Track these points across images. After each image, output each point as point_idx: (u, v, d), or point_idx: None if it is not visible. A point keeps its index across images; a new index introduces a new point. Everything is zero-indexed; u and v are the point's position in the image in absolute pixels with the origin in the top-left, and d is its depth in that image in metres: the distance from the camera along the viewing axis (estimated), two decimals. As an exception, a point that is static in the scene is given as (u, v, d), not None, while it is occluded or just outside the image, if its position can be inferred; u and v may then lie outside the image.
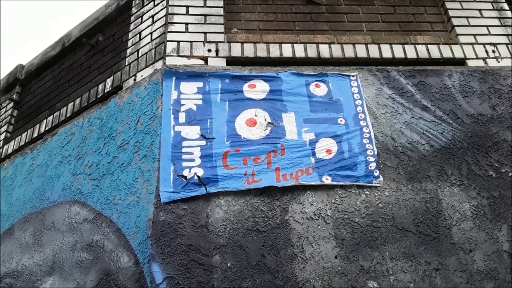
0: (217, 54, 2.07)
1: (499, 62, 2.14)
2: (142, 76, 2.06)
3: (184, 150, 1.75)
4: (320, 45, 2.13)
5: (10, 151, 2.52)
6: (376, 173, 1.74)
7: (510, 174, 1.75)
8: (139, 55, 2.18)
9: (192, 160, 1.71)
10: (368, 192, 1.68)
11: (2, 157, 2.54)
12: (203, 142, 1.78)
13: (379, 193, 1.68)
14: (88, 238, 1.68)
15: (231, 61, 2.07)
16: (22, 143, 2.49)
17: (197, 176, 1.64)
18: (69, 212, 1.82)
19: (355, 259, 1.50)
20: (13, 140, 2.57)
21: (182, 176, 1.64)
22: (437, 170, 1.75)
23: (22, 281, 1.78)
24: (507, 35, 2.23)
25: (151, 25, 2.23)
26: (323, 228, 1.58)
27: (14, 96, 2.87)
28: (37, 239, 1.87)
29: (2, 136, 2.69)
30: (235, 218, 1.56)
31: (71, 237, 1.75)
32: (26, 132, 2.53)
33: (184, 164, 1.70)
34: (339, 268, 1.48)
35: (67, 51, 2.74)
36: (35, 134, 2.44)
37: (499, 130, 1.87)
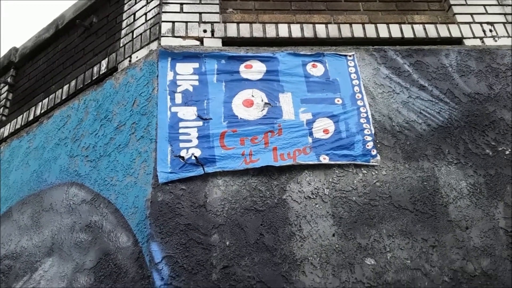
0: (212, 34, 2.03)
1: (496, 41, 2.12)
2: (137, 57, 2.03)
3: (181, 131, 1.73)
4: (316, 25, 2.09)
5: (6, 134, 2.49)
6: (374, 152, 1.73)
7: (506, 152, 1.74)
8: (134, 36, 2.14)
9: (189, 140, 1.70)
10: (365, 171, 1.67)
11: (-2, 140, 2.51)
12: (200, 123, 1.76)
13: (376, 172, 1.67)
14: (86, 219, 1.67)
15: (227, 41, 2.04)
16: (18, 126, 2.46)
17: (195, 156, 1.63)
18: (67, 194, 1.80)
19: (352, 237, 1.49)
20: (9, 124, 2.54)
21: (180, 156, 1.62)
22: (434, 149, 1.74)
23: (21, 263, 1.77)
24: (504, 14, 2.20)
25: (145, 5, 2.18)
26: (321, 207, 1.57)
27: (9, 80, 2.82)
28: (36, 221, 1.85)
29: (-3, 119, 2.66)
30: (233, 198, 1.55)
31: (69, 218, 1.73)
32: (21, 115, 2.49)
33: (181, 144, 1.68)
34: (337, 245, 1.47)
35: (61, 33, 2.69)
36: (31, 117, 2.41)
37: (496, 109, 1.85)
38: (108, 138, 1.83)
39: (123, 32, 2.21)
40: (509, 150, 1.75)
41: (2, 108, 2.71)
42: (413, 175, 1.66)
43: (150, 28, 2.07)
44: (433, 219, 1.55)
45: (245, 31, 2.05)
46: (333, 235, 1.50)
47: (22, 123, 2.44)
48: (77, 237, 1.66)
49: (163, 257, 1.40)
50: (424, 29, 2.12)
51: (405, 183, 1.64)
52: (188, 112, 1.77)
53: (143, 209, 1.51)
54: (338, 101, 1.87)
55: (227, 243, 1.45)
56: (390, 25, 2.11)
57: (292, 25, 2.08)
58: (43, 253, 1.73)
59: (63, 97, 2.28)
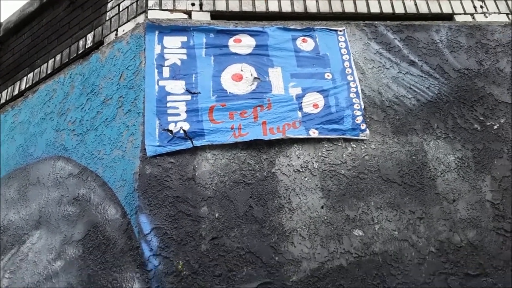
0: (201, 8, 1.99)
1: (486, 17, 2.11)
2: (124, 30, 1.98)
3: (169, 104, 1.70)
4: (307, -1, 2.06)
5: (-10, 109, 2.43)
6: (363, 127, 1.72)
7: (495, 127, 1.75)
8: (120, 9, 2.08)
9: (178, 114, 1.67)
10: (354, 145, 1.67)
11: (-18, 115, 2.45)
12: (189, 97, 1.73)
13: (365, 146, 1.67)
14: (74, 192, 1.65)
15: (216, 15, 1.99)
16: (2, 101, 2.40)
17: (183, 130, 1.60)
18: (54, 168, 1.77)
19: (341, 209, 1.50)
20: (-7, 99, 2.48)
21: (168, 130, 1.60)
22: (423, 124, 1.74)
23: (8, 236, 1.75)
24: (495, -10, 2.19)
25: (132, -23, 2.12)
26: (310, 180, 1.57)
27: (-7, 54, 2.74)
28: (22, 194, 1.82)
29: (-18, 95, 2.59)
30: (222, 171, 1.54)
31: (56, 192, 1.71)
32: (6, 90, 2.43)
33: (170, 118, 1.65)
34: (325, 217, 1.48)
35: (46, 7, 2.60)
36: (16, 92, 2.35)
37: (485, 85, 1.85)
38: (95, 112, 1.80)
39: (109, 5, 2.15)
40: (497, 125, 1.76)
41: (-14, 83, 2.64)
42: (401, 149, 1.66)
43: (136, 1, 2.01)
44: (420, 192, 1.55)
45: (234, 5, 2.00)
46: (322, 207, 1.50)
47: (7, 98, 2.38)
48: (64, 210, 1.64)
49: (152, 229, 1.39)
50: (415, 4, 2.10)
51: (394, 157, 1.64)
52: (176, 86, 1.74)
53: (131, 182, 1.49)
54: (328, 76, 1.85)
55: (216, 215, 1.45)
56: (381, 0, 2.09)
57: (282, 0, 2.04)
58: (31, 226, 1.71)
59: (49, 72, 2.23)
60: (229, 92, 1.76)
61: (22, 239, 1.70)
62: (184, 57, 1.83)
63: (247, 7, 2.01)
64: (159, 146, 1.56)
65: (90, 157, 1.67)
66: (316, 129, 1.71)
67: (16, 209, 1.81)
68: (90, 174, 1.63)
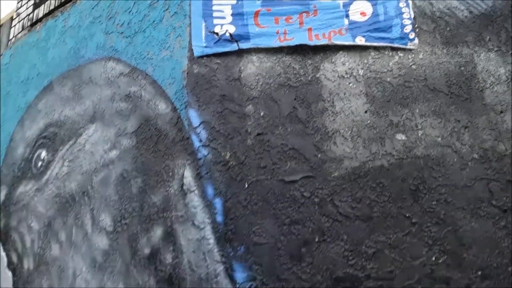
0: None
1: None
2: None
3: (214, 8, 1.69)
4: None
5: (40, 15, 2.49)
6: (412, 36, 1.68)
7: (551, 41, 1.67)
8: None
9: (223, 17, 1.67)
10: (401, 54, 1.64)
11: (34, 21, 2.52)
12: (234, 1, 1.72)
13: (413, 55, 1.64)
14: (125, 90, 1.73)
15: None
16: (52, 7, 2.45)
17: (229, 33, 1.61)
18: (105, 68, 1.85)
19: (384, 114, 1.52)
20: (43, 5, 2.53)
21: (214, 32, 1.61)
22: (475, 36, 1.68)
23: (65, 129, 1.88)
24: None
25: None
26: (354, 86, 1.58)
27: (39, -39, 2.75)
28: (77, 92, 1.93)
29: (32, 1, 2.65)
30: (267, 74, 1.56)
31: (109, 90, 1.80)
32: (55, -4, 2.48)
33: (215, 21, 1.66)
34: (368, 121, 1.50)
35: None
36: (64, -3, 2.39)
37: (547, -3, 1.74)
38: (142, 15, 1.82)
39: None
40: (555, 39, 1.67)
41: (34, -11, 2.68)
42: (450, 60, 1.62)
43: None
44: (467, 102, 1.54)
45: None
46: (366, 112, 1.52)
47: (56, 4, 2.43)
48: (117, 106, 1.73)
49: (201, 122, 1.46)
50: None
51: (442, 67, 1.61)
52: (222, -10, 1.73)
53: (180, 80, 1.55)
54: (378, -17, 1.78)
55: (262, 113, 1.50)
56: None
57: None
58: (86, 121, 1.82)
59: (96, -24, 2.24)
60: (275, -2, 1.74)
61: (79, 132, 1.83)
62: (230, -40, 1.79)
63: None
64: (205, 47, 1.58)
65: (139, 58, 1.73)
66: (363, 36, 1.68)
67: (71, 106, 1.92)
68: (140, 73, 1.70)
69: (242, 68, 1.56)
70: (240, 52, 1.59)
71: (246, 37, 1.61)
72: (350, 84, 1.58)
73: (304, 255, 1.32)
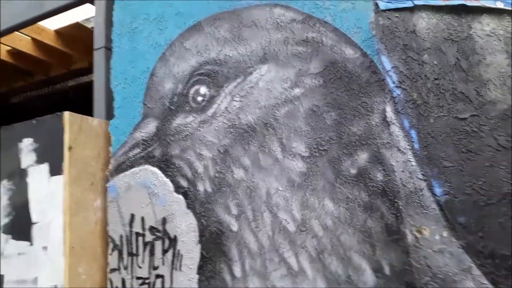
0: None
1: None
2: None
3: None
4: None
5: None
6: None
7: None
8: None
9: (395, -25, 1.88)
10: (526, 16, 1.98)
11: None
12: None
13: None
14: (301, 35, 1.91)
15: None
16: None
17: (405, -11, 1.85)
18: (271, 14, 1.99)
19: (523, 65, 1.89)
20: None
21: (393, -13, 1.84)
22: None
23: (229, 68, 2.03)
24: None
25: None
26: (497, 43, 1.89)
27: None
28: (236, 34, 2.05)
29: None
30: (435, 28, 1.83)
31: (279, 34, 1.96)
32: None
33: None
34: (510, 73, 1.87)
35: None
36: None
37: None
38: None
39: None
40: None
41: None
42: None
43: None
44: None
45: None
46: (508, 65, 1.88)
47: None
48: (293, 49, 1.92)
49: (392, 67, 1.73)
50: None
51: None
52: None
53: (367, 30, 1.78)
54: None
55: (435, 62, 1.79)
56: None
57: None
58: (255, 61, 1.99)
59: None
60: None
61: (247, 71, 1.99)
62: None
63: None
64: (388, 2, 1.81)
65: (314, 7, 1.90)
66: (501, 1, 1.99)
67: (232, 46, 2.06)
68: (317, 20, 1.89)
69: (415, 22, 1.82)
70: (413, 9, 1.83)
71: (417, -5, 1.86)
72: (494, 42, 1.91)
73: (479, 176, 1.71)
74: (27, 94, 5.04)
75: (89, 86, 4.67)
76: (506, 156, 1.67)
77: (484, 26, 1.92)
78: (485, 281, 1.51)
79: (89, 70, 4.55)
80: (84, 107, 3.12)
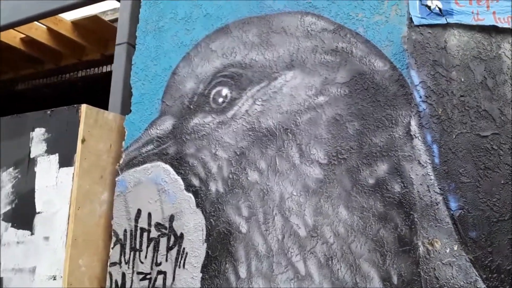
0: None
1: None
2: None
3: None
4: None
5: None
6: None
7: None
8: None
9: (433, -7, 2.17)
10: (561, 44, 2.23)
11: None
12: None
13: None
14: (330, 45, 2.19)
15: None
16: None
17: (438, 7, 2.12)
18: (302, 21, 2.28)
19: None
20: None
21: (426, 5, 2.11)
22: None
23: (253, 72, 2.31)
24: None
25: None
26: (526, 65, 2.16)
27: None
28: (265, 40, 2.34)
29: None
30: (465, 46, 2.09)
31: (309, 42, 2.24)
32: None
33: None
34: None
35: None
36: None
37: None
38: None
39: None
40: None
41: None
42: None
43: None
44: None
45: None
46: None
47: None
48: (322, 58, 2.19)
49: (420, 82, 1.98)
50: None
51: None
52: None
53: (399, 44, 2.04)
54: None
55: (462, 79, 2.04)
56: None
57: None
58: (281, 67, 2.27)
59: None
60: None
61: (272, 76, 2.27)
62: None
63: None
64: (421, 18, 2.08)
65: (346, 18, 2.18)
66: (531, 25, 2.25)
67: (259, 51, 2.35)
68: (348, 31, 2.16)
69: (446, 39, 2.08)
70: (445, 26, 2.10)
71: (450, 13, 2.12)
72: (522, 62, 2.16)
73: (494, 193, 1.92)
74: (34, 81, 5.45)
75: (99, 77, 5.08)
76: (524, 175, 1.88)
77: (514, 48, 2.18)
78: (490, 294, 1.69)
79: (100, 62, 4.95)
80: (92, 98, 3.44)
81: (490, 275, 1.73)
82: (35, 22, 4.39)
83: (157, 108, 2.61)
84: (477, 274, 1.73)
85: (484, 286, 1.72)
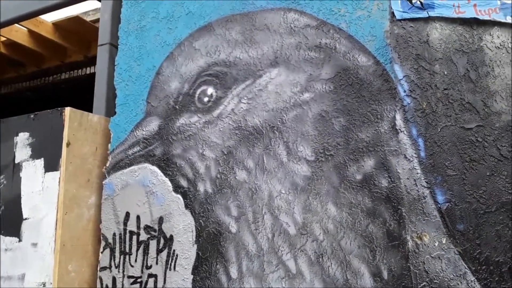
0: None
1: None
2: None
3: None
4: None
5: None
6: (548, 20, 2.28)
7: None
8: None
9: (411, -14, 2.15)
10: (540, 34, 2.24)
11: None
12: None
13: (549, 36, 2.24)
14: (314, 41, 2.16)
15: None
16: None
17: (420, 1, 2.10)
18: (285, 18, 2.25)
19: (535, 82, 2.12)
20: None
21: (408, 0, 2.10)
22: None
23: (238, 70, 2.28)
24: None
25: None
26: (505, 56, 2.16)
27: None
28: (248, 37, 2.31)
29: None
30: (447, 39, 2.09)
31: (292, 39, 2.22)
32: None
33: None
34: (521, 86, 2.11)
35: None
36: None
37: None
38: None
39: None
40: None
41: None
42: None
43: None
44: None
45: None
46: (517, 78, 2.13)
47: None
48: (305, 54, 2.17)
49: (403, 76, 1.97)
50: None
51: None
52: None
53: (381, 38, 2.03)
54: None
55: (445, 72, 2.04)
56: None
57: None
58: (266, 64, 2.24)
59: None
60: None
61: (257, 74, 2.24)
62: None
63: None
64: (403, 12, 2.07)
65: (329, 13, 2.16)
66: (511, 16, 2.25)
67: (242, 48, 2.32)
68: (331, 27, 2.14)
69: (429, 32, 2.07)
70: (427, 19, 2.09)
71: (432, 7, 2.11)
72: (503, 54, 2.15)
73: (480, 185, 1.93)
74: (17, 85, 5.35)
75: (82, 79, 5.00)
76: (507, 166, 1.89)
77: (495, 38, 2.18)
78: (479, 286, 1.69)
79: (83, 63, 4.87)
80: (76, 100, 3.38)
81: (479, 267, 1.74)
82: (16, 24, 4.29)
83: (142, 109, 2.57)
84: (466, 267, 1.74)
85: (474, 278, 1.72)
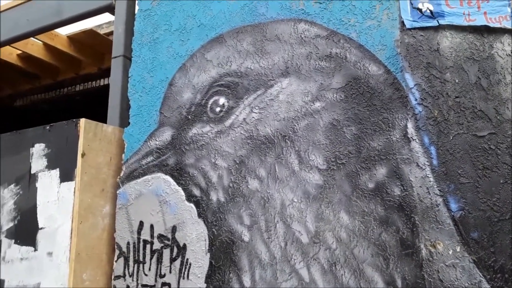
0: None
1: None
2: None
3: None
4: None
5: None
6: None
7: None
8: None
9: (423, -5, 2.15)
10: (552, 42, 2.22)
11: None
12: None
13: (560, 43, 2.22)
14: (324, 51, 2.17)
15: None
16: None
17: (429, 10, 2.10)
18: (295, 28, 2.26)
19: (546, 89, 2.10)
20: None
21: (418, 8, 2.10)
22: None
23: (249, 80, 2.29)
24: None
25: None
26: (515, 63, 2.15)
27: None
28: (259, 48, 2.32)
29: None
30: (458, 47, 2.08)
31: (303, 49, 2.22)
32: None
33: None
34: (532, 93, 2.09)
35: None
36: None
37: None
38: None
39: None
40: None
41: None
42: None
43: None
44: None
45: None
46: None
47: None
48: (316, 64, 2.17)
49: (414, 85, 1.96)
50: None
51: None
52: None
53: (392, 47, 2.02)
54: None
55: (456, 80, 2.02)
56: None
57: None
58: (277, 74, 2.25)
59: None
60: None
61: (268, 84, 2.25)
62: None
63: None
64: (413, 21, 2.06)
65: (339, 24, 2.17)
66: (521, 24, 2.24)
67: (254, 59, 2.33)
68: (342, 37, 2.14)
69: (439, 41, 2.07)
70: (437, 28, 2.08)
71: (442, 15, 2.11)
72: (514, 62, 2.14)
73: (493, 192, 1.90)
74: (33, 97, 5.43)
75: (96, 91, 5.05)
76: (522, 173, 1.87)
77: (505, 46, 2.16)
78: (495, 295, 1.67)
79: (97, 75, 4.93)
80: (91, 112, 3.41)
81: (494, 275, 1.71)
82: (31, 38, 4.37)
83: (155, 119, 2.59)
84: (481, 275, 1.71)
85: (489, 286, 1.69)
